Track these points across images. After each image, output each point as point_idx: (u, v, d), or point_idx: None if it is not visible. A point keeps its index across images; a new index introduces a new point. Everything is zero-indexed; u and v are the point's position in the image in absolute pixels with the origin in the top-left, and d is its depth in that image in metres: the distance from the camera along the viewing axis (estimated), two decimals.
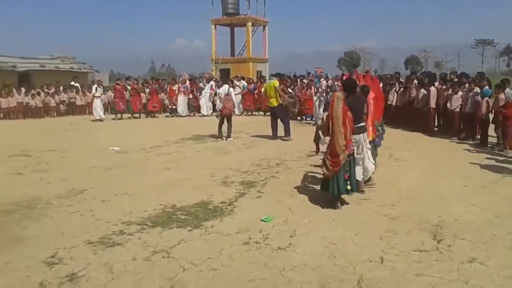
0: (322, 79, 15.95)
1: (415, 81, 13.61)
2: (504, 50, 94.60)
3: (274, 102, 12.05)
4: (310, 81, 16.76)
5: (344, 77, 12.24)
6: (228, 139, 12.04)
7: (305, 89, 16.60)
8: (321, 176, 6.24)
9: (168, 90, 19.67)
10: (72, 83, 21.07)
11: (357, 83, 6.83)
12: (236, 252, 4.43)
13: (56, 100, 20.47)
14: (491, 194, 6.33)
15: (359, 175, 6.14)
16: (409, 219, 5.33)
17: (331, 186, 5.76)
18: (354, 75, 8.22)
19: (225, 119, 12.16)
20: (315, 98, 15.54)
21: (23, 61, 27.77)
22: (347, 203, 5.97)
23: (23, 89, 19.83)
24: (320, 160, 6.64)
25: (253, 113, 19.27)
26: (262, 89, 12.42)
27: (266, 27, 33.06)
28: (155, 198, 6.36)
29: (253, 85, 19.46)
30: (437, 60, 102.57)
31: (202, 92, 19.07)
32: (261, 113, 18.85)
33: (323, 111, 15.01)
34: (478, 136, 10.95)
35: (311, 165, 8.40)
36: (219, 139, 12.14)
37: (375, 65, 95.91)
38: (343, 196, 5.95)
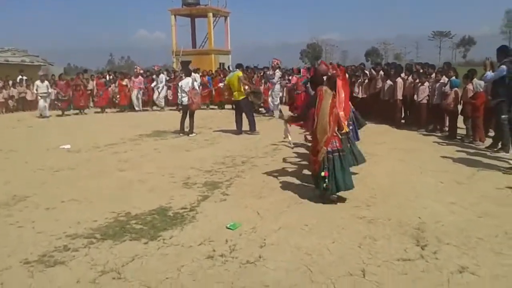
0: (277, 70, 15.47)
1: (381, 72, 13.34)
2: (460, 41, 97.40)
3: (238, 96, 11.47)
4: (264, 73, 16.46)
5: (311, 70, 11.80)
6: (190, 134, 11.39)
7: (262, 81, 16.33)
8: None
9: (117, 84, 18.57)
10: (20, 77, 19.64)
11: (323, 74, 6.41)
12: (199, 269, 3.84)
13: (5, 95, 19.06)
14: (469, 191, 5.99)
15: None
16: (388, 221, 4.89)
17: (320, 183, 5.48)
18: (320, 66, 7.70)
19: (187, 114, 11.50)
20: (270, 91, 15.28)
21: None
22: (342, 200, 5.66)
23: None
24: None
25: (210, 107, 18.61)
26: (222, 83, 11.71)
27: (228, 18, 32.36)
28: (106, 205, 5.67)
29: (207, 77, 18.62)
30: (396, 52, 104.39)
31: (157, 85, 18.22)
32: (215, 107, 18.38)
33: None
34: (447, 128, 10.77)
35: (279, 162, 7.90)
36: (181, 135, 11.47)
37: (337, 57, 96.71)
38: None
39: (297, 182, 6.58)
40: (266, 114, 15.53)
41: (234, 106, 11.67)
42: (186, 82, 11.48)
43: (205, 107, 18.21)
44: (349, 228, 4.73)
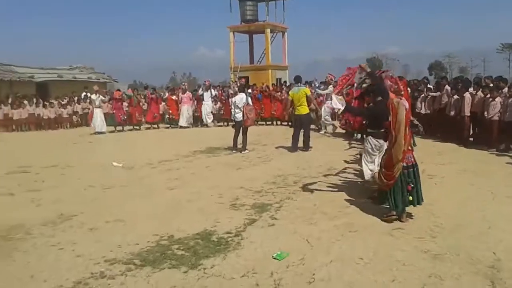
0: (330, 85, 14.89)
1: (447, 87, 12.46)
2: None
3: (303, 110, 11.06)
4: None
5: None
6: (243, 151, 11.14)
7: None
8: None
9: (167, 100, 18.72)
10: (84, 93, 20.48)
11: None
12: None
13: (69, 111, 19.94)
14: None
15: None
16: (457, 257, 4.29)
17: (389, 199, 5.37)
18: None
19: (240, 130, 11.30)
20: (323, 105, 14.83)
21: (42, 72, 27.69)
22: (412, 217, 5.49)
23: (35, 100, 19.36)
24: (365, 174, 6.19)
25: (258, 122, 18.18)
26: (289, 96, 11.30)
27: (285, 33, 32.19)
28: (151, 226, 5.47)
29: (258, 95, 18.12)
30: (461, 66, 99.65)
31: (202, 101, 18.18)
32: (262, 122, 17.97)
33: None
34: None
35: (332, 183, 7.42)
36: (234, 151, 11.26)
37: (398, 72, 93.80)
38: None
39: (352, 206, 6.07)
40: (321, 131, 15.09)
41: (293, 121, 11.30)
42: (240, 98, 11.28)
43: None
44: (411, 263, 4.18)
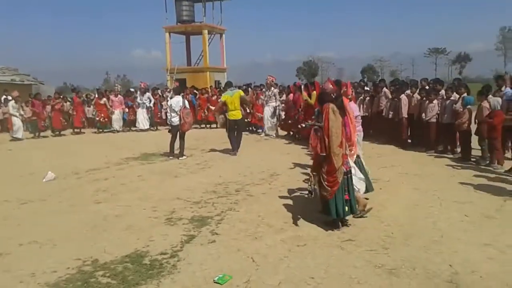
0: (272, 87, 14.76)
1: (384, 89, 12.53)
2: (456, 58, 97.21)
3: (238, 114, 10.92)
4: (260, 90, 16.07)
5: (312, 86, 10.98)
6: (180, 158, 10.48)
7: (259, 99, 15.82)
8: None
9: (94, 103, 17.65)
10: (4, 96, 18.68)
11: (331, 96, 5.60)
12: None
13: None
14: (502, 228, 5.07)
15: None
16: (413, 271, 3.97)
17: (332, 209, 5.07)
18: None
19: (177, 135, 10.63)
20: (266, 107, 14.73)
21: None
22: (348, 225, 5.26)
23: None
24: (308, 182, 5.42)
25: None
26: (222, 99, 10.98)
27: (223, 35, 31.75)
28: (72, 249, 4.73)
29: (190, 96, 17.49)
30: (392, 69, 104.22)
31: (139, 104, 17.32)
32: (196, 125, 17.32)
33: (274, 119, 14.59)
34: (458, 149, 9.91)
35: (277, 190, 7.00)
36: (171, 158, 10.56)
37: (333, 75, 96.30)
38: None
39: (299, 217, 5.65)
40: (262, 133, 14.88)
41: (228, 126, 10.90)
42: (176, 101, 10.60)
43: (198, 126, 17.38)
44: (365, 281, 3.80)
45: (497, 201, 6.13)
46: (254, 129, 16.06)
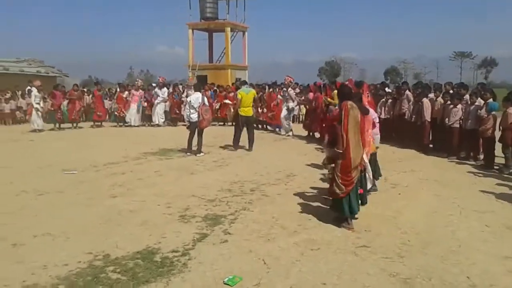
0: (289, 88, 14.66)
1: (407, 92, 12.29)
2: (482, 62, 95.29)
3: (250, 111, 11.36)
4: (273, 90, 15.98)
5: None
6: (198, 154, 10.47)
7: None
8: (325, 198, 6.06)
9: (116, 97, 17.62)
10: (28, 87, 19.03)
11: (352, 90, 5.91)
12: None
13: (12, 106, 18.51)
14: None
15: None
16: (428, 282, 3.84)
17: (345, 207, 5.18)
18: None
19: (196, 131, 10.64)
20: (283, 108, 14.69)
21: None
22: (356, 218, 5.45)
23: None
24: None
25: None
26: (239, 96, 11.11)
27: (246, 33, 31.65)
28: (85, 243, 4.74)
29: (210, 92, 17.55)
30: (416, 72, 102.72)
31: (156, 99, 17.28)
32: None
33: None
34: (481, 156, 9.65)
35: (292, 191, 6.91)
36: (188, 154, 10.57)
37: (355, 75, 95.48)
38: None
39: (314, 219, 5.56)
40: (278, 131, 14.98)
41: (239, 122, 11.13)
42: (195, 98, 10.59)
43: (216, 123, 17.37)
44: None
45: None
46: (266, 126, 16.14)
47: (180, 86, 19.82)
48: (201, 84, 14.72)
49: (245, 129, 11.32)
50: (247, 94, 11.14)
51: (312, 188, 7.19)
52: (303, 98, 15.44)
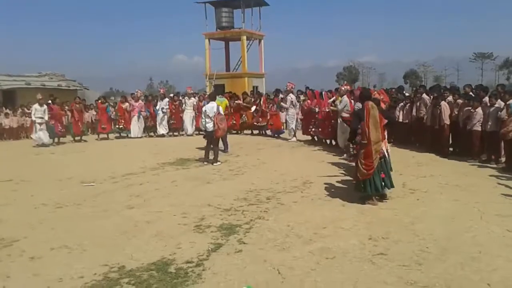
0: (290, 94, 14.71)
1: (424, 95, 12.09)
2: (503, 63, 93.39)
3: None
4: (275, 96, 16.33)
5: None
6: (215, 163, 10.50)
7: (271, 104, 16.13)
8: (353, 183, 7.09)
9: (117, 108, 17.54)
10: (50, 101, 19.43)
11: (370, 93, 7.19)
12: None
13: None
14: None
15: None
16: None
17: (368, 186, 6.34)
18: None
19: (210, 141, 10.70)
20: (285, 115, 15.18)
21: (8, 79, 26.43)
22: (386, 200, 6.64)
23: None
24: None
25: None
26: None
27: (262, 41, 31.82)
28: (100, 254, 4.78)
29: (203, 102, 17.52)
30: (436, 74, 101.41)
31: (159, 109, 17.21)
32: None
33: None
34: (503, 159, 9.42)
35: (309, 199, 6.85)
36: (205, 163, 10.62)
37: (374, 80, 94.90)
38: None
39: (329, 227, 5.50)
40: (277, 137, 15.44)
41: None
42: (210, 107, 10.67)
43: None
44: None
45: None
46: (264, 132, 16.61)
47: (181, 97, 19.58)
48: (216, 93, 14.83)
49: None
50: (221, 103, 12.00)
51: (328, 195, 7.12)
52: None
